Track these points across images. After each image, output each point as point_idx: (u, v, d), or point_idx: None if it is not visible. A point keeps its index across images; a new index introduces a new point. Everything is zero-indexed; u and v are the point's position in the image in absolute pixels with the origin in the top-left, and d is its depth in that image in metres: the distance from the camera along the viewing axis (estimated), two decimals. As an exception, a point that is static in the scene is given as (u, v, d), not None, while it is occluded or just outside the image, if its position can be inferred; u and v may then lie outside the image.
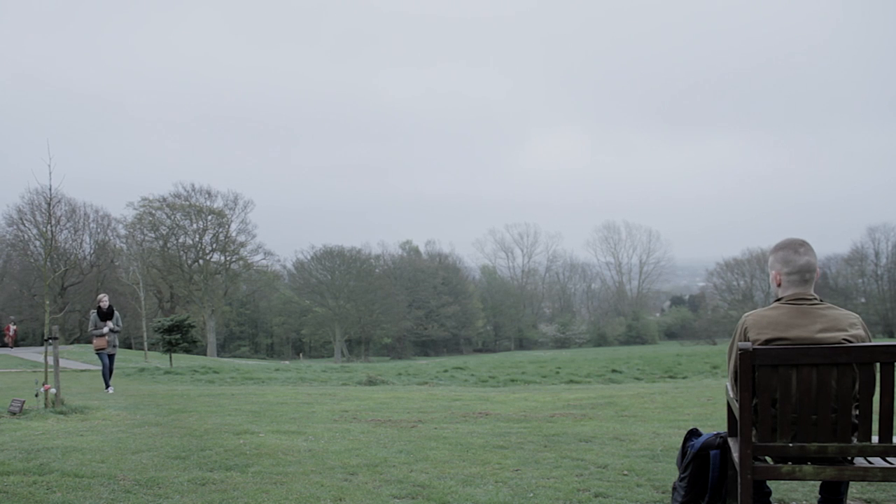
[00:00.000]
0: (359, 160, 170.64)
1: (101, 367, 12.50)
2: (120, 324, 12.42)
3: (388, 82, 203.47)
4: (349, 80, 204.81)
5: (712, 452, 3.43)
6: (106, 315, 12.14)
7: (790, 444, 2.87)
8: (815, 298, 3.02)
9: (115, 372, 19.56)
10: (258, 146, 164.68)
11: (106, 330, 12.01)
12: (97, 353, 12.25)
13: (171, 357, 23.11)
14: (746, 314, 3.10)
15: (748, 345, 2.86)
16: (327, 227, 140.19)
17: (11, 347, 32.26)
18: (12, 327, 34.78)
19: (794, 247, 3.06)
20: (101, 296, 12.36)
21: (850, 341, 2.88)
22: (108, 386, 12.06)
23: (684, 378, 15.62)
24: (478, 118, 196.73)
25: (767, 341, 2.94)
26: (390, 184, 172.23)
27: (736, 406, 3.08)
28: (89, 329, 12.25)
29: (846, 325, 2.92)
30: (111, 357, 12.29)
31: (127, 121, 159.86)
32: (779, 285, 3.08)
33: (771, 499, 3.50)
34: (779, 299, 3.08)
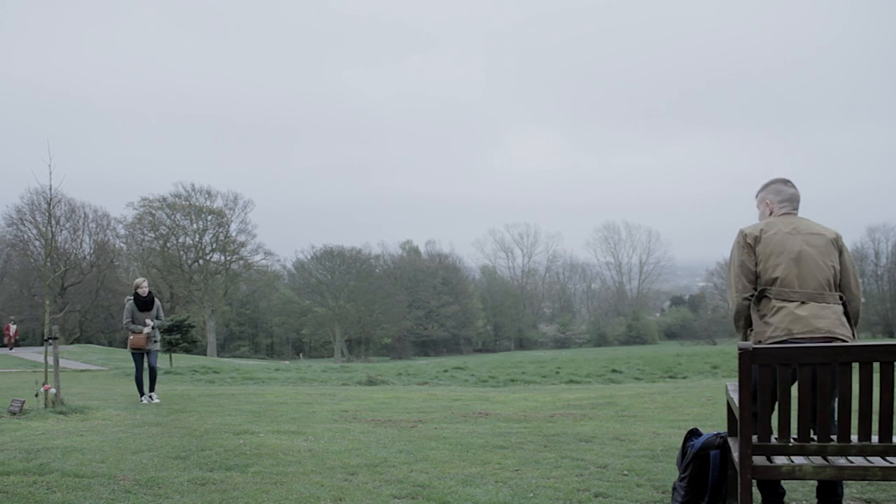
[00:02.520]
0: (345, 161, 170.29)
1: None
2: (162, 315, 9.99)
3: (364, 83, 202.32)
4: (321, 81, 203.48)
5: (712, 452, 3.43)
6: (145, 304, 9.71)
7: (790, 444, 2.87)
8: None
9: (118, 372, 19.32)
10: (249, 148, 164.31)
11: (147, 329, 9.58)
12: (132, 353, 9.80)
13: (171, 357, 23.08)
14: (740, 228, 3.41)
15: (748, 344, 2.87)
16: (325, 228, 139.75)
17: (11, 349, 32.09)
18: (13, 327, 34.62)
19: (783, 181, 3.50)
20: (139, 280, 9.92)
21: (833, 239, 3.29)
22: (143, 394, 9.74)
23: (684, 378, 15.62)
24: (466, 120, 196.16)
25: (762, 231, 3.30)
26: (388, 185, 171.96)
27: (736, 405, 3.08)
28: (124, 322, 9.75)
29: (824, 230, 3.33)
30: (152, 355, 9.82)
31: (114, 122, 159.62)
32: (770, 213, 3.47)
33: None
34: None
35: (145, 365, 9.79)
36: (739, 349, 2.86)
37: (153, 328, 9.71)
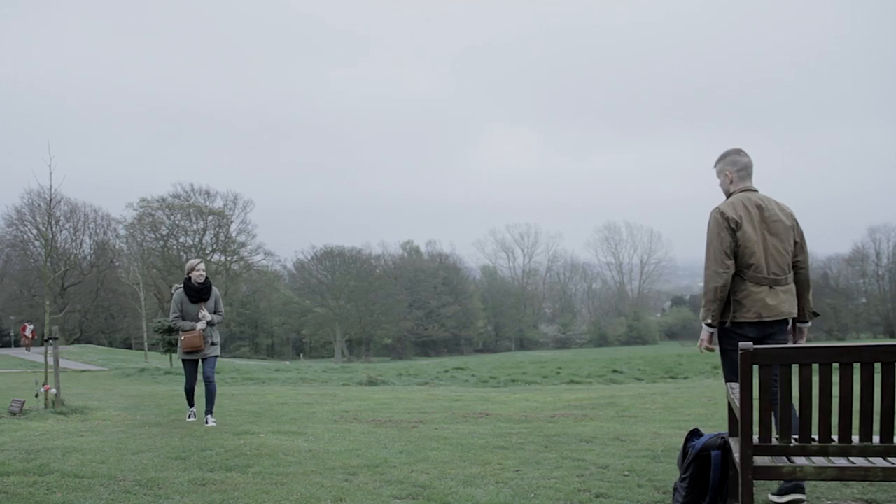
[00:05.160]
0: (330, 162, 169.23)
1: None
2: (221, 309, 7.52)
3: (338, 83, 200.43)
4: (305, 82, 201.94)
5: (713, 453, 3.42)
6: (199, 294, 7.29)
7: (791, 444, 2.86)
8: (756, 189, 3.91)
9: (118, 373, 19.23)
10: (239, 148, 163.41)
11: (201, 325, 7.21)
12: (183, 361, 7.46)
13: (171, 357, 23.10)
14: (714, 209, 3.84)
15: (749, 345, 2.86)
16: (313, 228, 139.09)
17: (28, 350, 31.93)
18: (29, 327, 34.35)
19: (737, 151, 3.98)
20: (193, 261, 7.39)
21: (791, 226, 3.85)
22: (191, 405, 7.65)
23: (685, 378, 15.61)
24: (444, 123, 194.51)
25: (741, 217, 3.74)
26: (373, 186, 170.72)
27: (737, 406, 3.08)
28: (171, 318, 7.43)
29: (783, 214, 3.85)
30: (207, 363, 7.40)
31: (105, 122, 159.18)
32: (731, 182, 3.95)
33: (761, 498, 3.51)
34: (731, 194, 3.93)
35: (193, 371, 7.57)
36: (740, 349, 2.85)
37: (210, 324, 7.30)
